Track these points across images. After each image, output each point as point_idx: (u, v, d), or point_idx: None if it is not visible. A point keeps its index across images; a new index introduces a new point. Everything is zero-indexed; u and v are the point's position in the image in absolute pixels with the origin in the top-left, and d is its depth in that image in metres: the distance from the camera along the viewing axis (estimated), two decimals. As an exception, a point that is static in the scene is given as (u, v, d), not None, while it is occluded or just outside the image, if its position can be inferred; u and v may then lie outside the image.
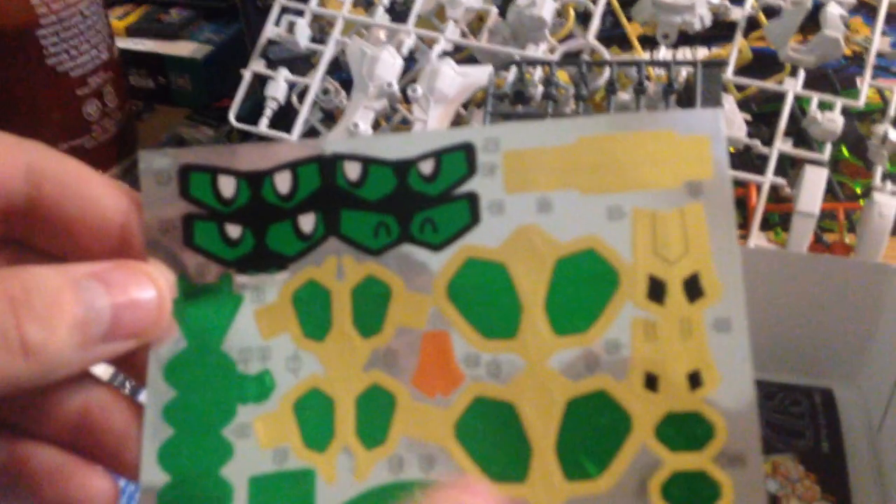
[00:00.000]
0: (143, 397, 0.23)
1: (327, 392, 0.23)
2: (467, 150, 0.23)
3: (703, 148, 0.22)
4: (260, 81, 0.58)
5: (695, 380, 0.22)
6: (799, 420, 0.50)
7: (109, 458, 0.23)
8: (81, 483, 0.22)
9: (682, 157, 0.22)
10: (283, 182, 0.23)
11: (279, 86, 0.56)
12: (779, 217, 0.57)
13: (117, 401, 0.23)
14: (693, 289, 0.22)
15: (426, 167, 0.23)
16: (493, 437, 0.22)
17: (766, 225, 0.56)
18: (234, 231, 0.24)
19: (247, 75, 0.58)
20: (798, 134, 0.55)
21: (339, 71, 0.59)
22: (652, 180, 0.23)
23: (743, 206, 0.56)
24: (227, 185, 0.24)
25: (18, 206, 0.22)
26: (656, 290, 0.22)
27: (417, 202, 0.23)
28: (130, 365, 0.23)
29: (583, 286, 0.23)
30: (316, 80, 0.56)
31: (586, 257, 0.23)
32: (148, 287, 0.22)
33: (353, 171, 0.23)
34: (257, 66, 0.58)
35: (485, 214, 0.23)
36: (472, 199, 0.23)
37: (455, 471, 0.22)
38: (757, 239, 0.52)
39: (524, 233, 0.23)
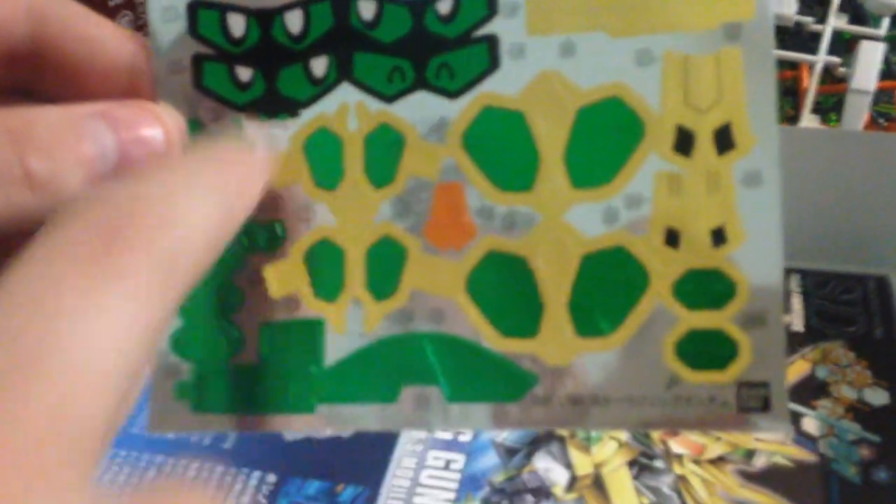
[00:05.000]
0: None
1: (338, 243, 0.23)
2: None
3: None
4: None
5: (718, 236, 0.21)
6: (851, 307, 0.49)
7: None
8: None
9: None
10: (294, 21, 0.23)
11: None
12: (833, 102, 0.54)
13: None
14: (723, 140, 0.21)
15: (444, 6, 0.22)
16: (505, 292, 0.22)
17: (818, 111, 0.53)
18: (244, 73, 0.23)
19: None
20: (853, 13, 0.52)
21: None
22: (686, 21, 0.21)
23: (795, 91, 0.53)
24: (237, 24, 0.23)
25: (21, 48, 0.22)
26: (684, 142, 0.21)
27: (434, 45, 0.22)
28: None
29: (605, 137, 0.21)
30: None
31: (611, 106, 0.21)
32: (155, 125, 0.21)
33: (367, 10, 0.22)
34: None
35: (504, 59, 0.22)
36: (491, 42, 0.22)
37: (465, 324, 0.22)
38: (809, 122, 0.50)
39: (545, 79, 0.22)
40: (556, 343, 0.21)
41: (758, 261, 0.21)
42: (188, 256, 0.17)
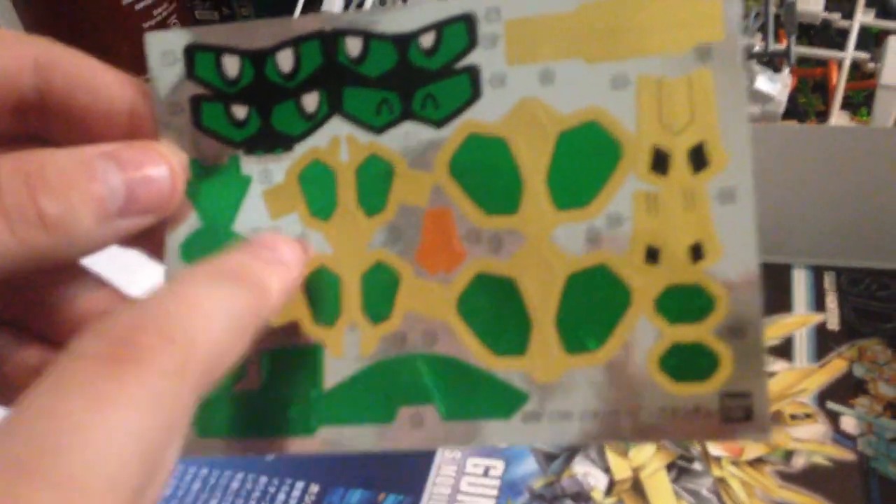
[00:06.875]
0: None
1: (334, 270, 0.23)
2: (468, 21, 0.23)
3: (713, 7, 0.21)
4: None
5: (696, 252, 0.21)
6: (887, 304, 0.48)
7: None
8: None
9: (691, 18, 0.21)
10: (285, 60, 0.23)
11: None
12: (863, 98, 0.54)
13: (124, 301, 0.24)
14: (698, 159, 0.21)
15: (427, 41, 0.23)
16: (494, 312, 0.22)
17: (848, 106, 0.53)
18: (240, 112, 0.24)
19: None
20: (880, 7, 0.52)
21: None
22: (659, 45, 0.22)
23: (824, 87, 0.53)
24: (231, 65, 0.24)
25: (30, 99, 0.23)
26: (660, 162, 0.22)
27: (418, 77, 0.23)
28: (149, 244, 0.24)
29: (585, 160, 0.22)
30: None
31: (589, 130, 0.22)
32: (160, 163, 0.22)
33: (354, 46, 0.23)
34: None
35: (486, 88, 0.23)
36: (472, 72, 0.23)
37: (457, 345, 0.23)
38: (838, 119, 0.50)
39: (525, 106, 0.22)
40: (544, 360, 0.22)
41: (735, 274, 0.21)
42: (207, 350, 0.18)
